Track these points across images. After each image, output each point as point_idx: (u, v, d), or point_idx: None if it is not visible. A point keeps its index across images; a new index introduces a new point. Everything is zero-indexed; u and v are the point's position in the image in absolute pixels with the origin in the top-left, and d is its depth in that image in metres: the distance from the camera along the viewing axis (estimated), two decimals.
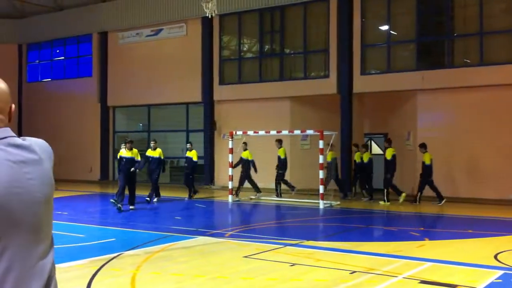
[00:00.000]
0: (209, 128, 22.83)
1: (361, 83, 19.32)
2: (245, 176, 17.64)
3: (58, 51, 28.12)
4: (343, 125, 19.41)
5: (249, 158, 17.61)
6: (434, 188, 15.71)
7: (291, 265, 7.64)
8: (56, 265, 6.17)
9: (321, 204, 15.07)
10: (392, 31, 19.35)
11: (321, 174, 15.34)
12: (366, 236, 11.12)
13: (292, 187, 17.75)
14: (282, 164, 17.78)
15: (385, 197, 15.81)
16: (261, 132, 17.22)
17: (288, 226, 12.28)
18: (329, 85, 19.84)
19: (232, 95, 22.22)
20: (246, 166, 17.60)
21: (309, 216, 13.70)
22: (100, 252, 8.60)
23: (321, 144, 15.41)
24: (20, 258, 1.78)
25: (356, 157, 17.62)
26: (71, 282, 6.72)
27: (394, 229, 11.82)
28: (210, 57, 22.74)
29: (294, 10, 21.10)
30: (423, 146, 15.89)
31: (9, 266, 1.75)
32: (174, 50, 23.70)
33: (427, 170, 15.71)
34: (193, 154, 17.11)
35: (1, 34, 28.37)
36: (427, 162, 15.74)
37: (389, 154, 15.95)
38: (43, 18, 27.84)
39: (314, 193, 16.55)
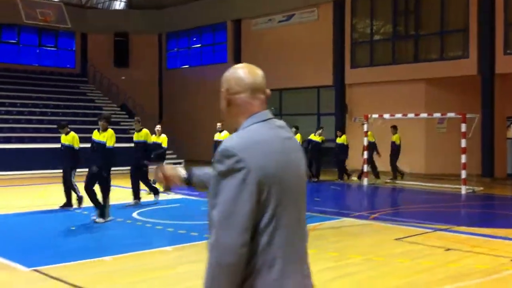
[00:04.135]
0: (340, 111, 22.90)
1: (504, 63, 18.28)
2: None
3: (194, 39, 29.62)
4: (484, 108, 18.55)
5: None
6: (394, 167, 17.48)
7: (446, 250, 7.62)
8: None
9: (463, 190, 14.61)
10: None
11: (463, 159, 14.86)
12: None
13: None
14: (396, 150, 17.61)
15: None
16: (398, 115, 17.00)
17: (432, 211, 12.10)
18: (468, 66, 19.01)
19: (363, 78, 22.06)
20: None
21: (451, 202, 13.38)
22: None
23: (463, 127, 14.90)
24: (288, 224, 2.03)
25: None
26: None
27: None
28: (341, 41, 22.72)
29: None
30: (394, 128, 17.47)
31: (283, 230, 1.99)
32: (305, 34, 23.96)
33: (396, 150, 17.38)
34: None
35: (143, 25, 30.39)
36: (398, 142, 17.45)
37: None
38: (180, 8, 29.39)
39: (453, 178, 16.10)
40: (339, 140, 18.31)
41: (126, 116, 27.48)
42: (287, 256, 2.01)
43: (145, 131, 12.50)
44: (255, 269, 1.96)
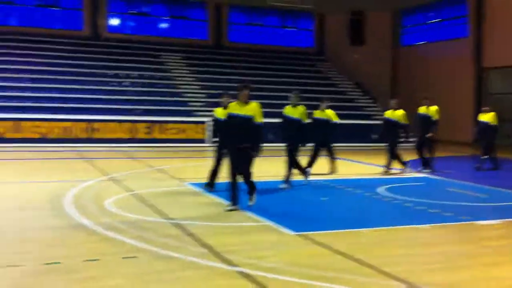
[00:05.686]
0: None
1: None
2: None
3: (432, 14, 28.50)
4: None
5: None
6: None
7: None
8: (480, 222, 6.24)
9: None
10: None
11: None
12: None
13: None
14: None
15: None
16: None
17: None
18: None
19: None
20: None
21: None
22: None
23: None
24: None
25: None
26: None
27: None
28: None
29: None
30: None
31: None
32: None
33: None
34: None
35: (378, 2, 30.16)
36: None
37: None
38: None
39: None
40: None
41: (361, 93, 27.81)
42: None
43: (301, 108, 11.10)
44: None
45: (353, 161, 17.34)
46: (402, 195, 10.26)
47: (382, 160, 13.99)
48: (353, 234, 7.25)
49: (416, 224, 7.77)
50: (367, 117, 25.19)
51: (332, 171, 13.36)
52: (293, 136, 10.94)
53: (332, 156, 13.42)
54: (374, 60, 29.75)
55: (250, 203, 8.73)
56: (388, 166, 13.58)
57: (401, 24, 30.76)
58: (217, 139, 10.13)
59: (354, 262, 5.88)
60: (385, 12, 30.51)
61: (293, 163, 11.08)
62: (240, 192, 8.58)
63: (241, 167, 8.45)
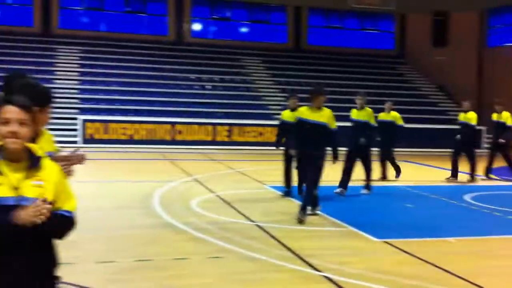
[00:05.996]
0: None
1: None
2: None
3: None
4: None
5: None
6: None
7: None
8: None
9: None
10: None
11: None
12: None
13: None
14: None
15: None
16: None
17: None
18: None
19: None
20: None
21: None
22: None
23: None
24: None
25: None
26: None
27: None
28: None
29: None
30: None
31: None
32: None
33: None
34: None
35: (464, 2, 29.13)
36: None
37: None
38: None
39: None
40: None
41: (445, 97, 26.96)
42: None
43: (368, 110, 10.67)
44: None
45: (437, 167, 16.85)
46: (490, 203, 9.88)
47: (466, 166, 13.45)
48: (440, 243, 7.07)
49: (508, 235, 7.47)
50: (451, 121, 24.35)
51: (397, 175, 12.97)
52: (357, 140, 10.48)
53: (392, 160, 13.02)
54: (458, 62, 28.71)
55: (301, 217, 7.89)
56: (472, 173, 13.05)
57: (487, 24, 29.51)
58: (284, 143, 9.92)
59: (443, 272, 5.74)
60: (470, 12, 29.37)
61: (348, 169, 10.51)
62: (320, 196, 8.56)
63: (310, 174, 8.05)
